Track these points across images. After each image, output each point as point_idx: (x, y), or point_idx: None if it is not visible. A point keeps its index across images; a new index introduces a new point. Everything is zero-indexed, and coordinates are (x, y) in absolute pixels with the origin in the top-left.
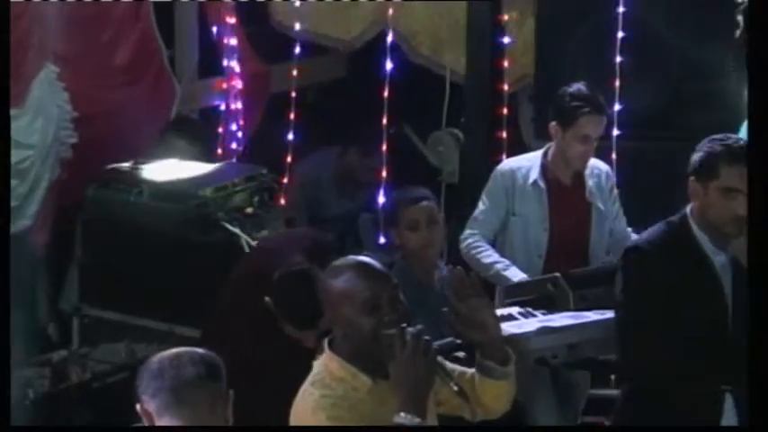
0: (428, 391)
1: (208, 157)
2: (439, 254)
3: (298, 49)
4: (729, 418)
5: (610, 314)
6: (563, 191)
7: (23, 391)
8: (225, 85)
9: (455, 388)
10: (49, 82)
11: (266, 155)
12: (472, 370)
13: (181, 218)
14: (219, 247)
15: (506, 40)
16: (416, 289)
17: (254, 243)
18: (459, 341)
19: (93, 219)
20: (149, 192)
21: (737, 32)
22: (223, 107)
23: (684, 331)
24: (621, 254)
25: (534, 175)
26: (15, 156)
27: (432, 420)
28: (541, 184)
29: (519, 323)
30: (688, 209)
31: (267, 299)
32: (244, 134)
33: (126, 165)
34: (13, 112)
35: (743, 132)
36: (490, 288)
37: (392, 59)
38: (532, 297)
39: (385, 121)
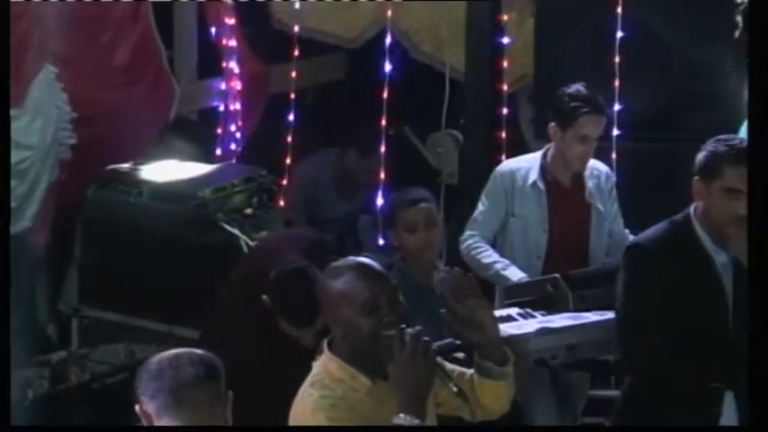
0: (427, 392)
1: (207, 157)
2: (438, 255)
3: (297, 51)
4: (729, 417)
5: (609, 315)
6: (562, 192)
7: (23, 391)
8: (224, 86)
9: (454, 389)
10: (48, 83)
11: (265, 156)
12: (471, 371)
13: (180, 219)
14: (218, 247)
15: (506, 40)
16: (415, 290)
17: (252, 244)
18: (458, 342)
19: (92, 219)
20: (148, 193)
21: (737, 33)
22: (222, 108)
23: (684, 330)
24: (623, 251)
25: (533, 176)
26: (14, 156)
27: (431, 421)
28: (541, 185)
29: (518, 324)
30: (691, 208)
31: (264, 297)
32: (243, 135)
33: (125, 165)
34: (12, 112)
35: (743, 132)
36: (490, 289)
37: (391, 61)
38: (532, 298)
39: (384, 122)
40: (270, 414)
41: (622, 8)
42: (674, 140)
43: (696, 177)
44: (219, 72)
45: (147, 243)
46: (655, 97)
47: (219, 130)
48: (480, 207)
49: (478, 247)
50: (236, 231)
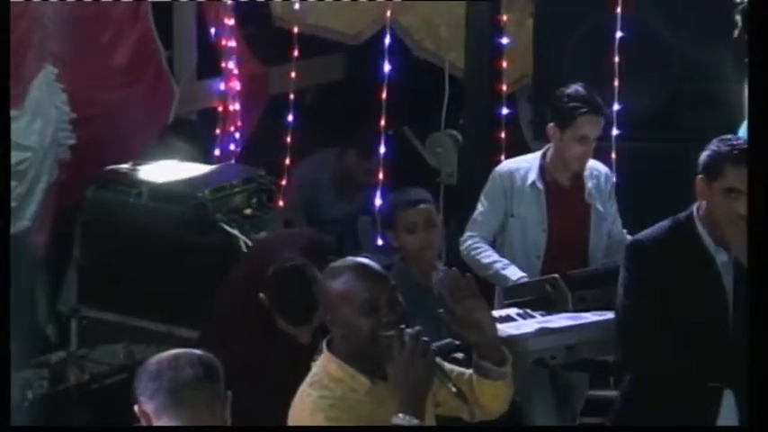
0: (427, 393)
1: (206, 158)
2: (437, 256)
3: (296, 51)
4: (729, 417)
5: (608, 315)
6: (562, 192)
7: (22, 392)
8: (223, 87)
9: (453, 389)
10: (47, 83)
11: (264, 156)
12: (470, 371)
13: (179, 219)
14: (218, 248)
15: (505, 40)
16: (414, 291)
17: (251, 244)
18: (457, 342)
19: (91, 220)
20: (148, 193)
21: (736, 32)
22: (221, 108)
23: (684, 328)
24: (625, 249)
25: (533, 176)
26: (13, 157)
27: (430, 421)
28: (540, 185)
29: (517, 324)
30: (695, 207)
31: (262, 295)
32: (242, 135)
33: (124, 166)
34: (11, 113)
35: (742, 132)
36: (489, 289)
37: (391, 60)
38: (531, 298)
39: (383, 122)
40: (269, 414)
41: (621, 8)
42: (673, 140)
43: (699, 176)
44: (219, 73)
45: (147, 243)
46: (654, 97)
47: (219, 131)
48: (480, 208)
49: (478, 248)
50: (235, 232)
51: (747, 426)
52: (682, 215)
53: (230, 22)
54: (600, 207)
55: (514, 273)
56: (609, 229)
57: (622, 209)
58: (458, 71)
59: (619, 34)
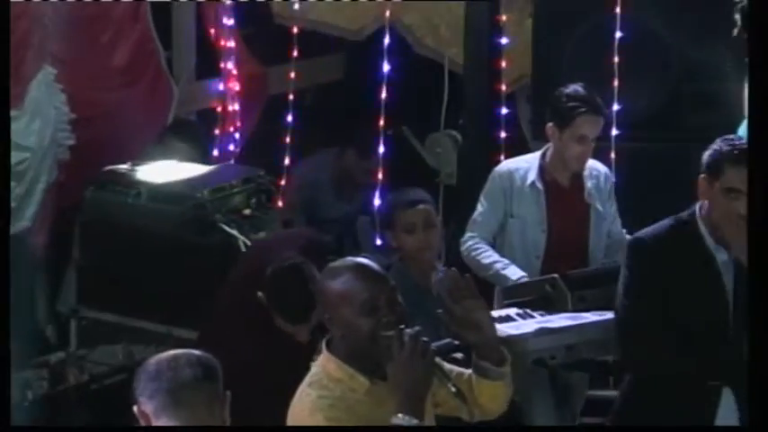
0: (426, 393)
1: (205, 158)
2: (436, 256)
3: (296, 51)
4: (729, 416)
5: (608, 315)
6: (561, 192)
7: (22, 392)
8: (222, 87)
9: (453, 389)
10: (46, 84)
11: (264, 156)
12: (470, 371)
13: (178, 219)
14: (217, 248)
15: (504, 40)
16: (414, 291)
17: (250, 244)
18: (456, 342)
19: (90, 220)
20: (147, 193)
21: (735, 31)
22: (220, 109)
23: (684, 327)
24: (626, 246)
25: (532, 176)
26: (13, 158)
27: (429, 421)
28: (539, 185)
29: (517, 324)
30: (697, 206)
31: (260, 294)
32: (241, 136)
33: (123, 166)
34: (10, 113)
35: (741, 132)
36: (489, 289)
37: (391, 60)
38: (531, 298)
39: (383, 122)
40: (268, 414)
41: (621, 8)
42: (672, 140)
43: (702, 176)
44: (218, 73)
45: (146, 244)
46: (653, 97)
47: (218, 131)
48: (479, 208)
49: (478, 248)
50: (234, 232)
51: (747, 425)
52: (684, 214)
53: (229, 22)
54: (599, 207)
55: (515, 273)
56: (608, 229)
57: (622, 209)
58: (458, 68)
59: (618, 34)
